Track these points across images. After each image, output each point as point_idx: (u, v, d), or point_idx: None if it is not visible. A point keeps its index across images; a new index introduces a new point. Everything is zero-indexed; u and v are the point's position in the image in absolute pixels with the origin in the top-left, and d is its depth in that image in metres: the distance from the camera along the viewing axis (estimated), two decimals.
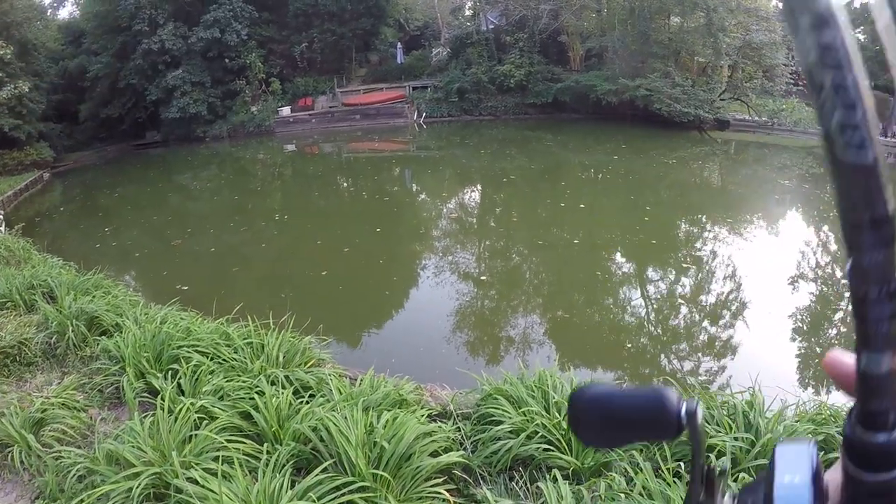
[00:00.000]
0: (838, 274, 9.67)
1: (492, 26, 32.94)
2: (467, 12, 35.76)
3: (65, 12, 42.99)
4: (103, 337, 5.06)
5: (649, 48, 26.14)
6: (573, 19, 30.18)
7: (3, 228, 14.53)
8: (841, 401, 3.89)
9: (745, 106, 26.39)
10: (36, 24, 33.02)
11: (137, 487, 3.00)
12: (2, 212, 16.90)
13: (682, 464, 3.10)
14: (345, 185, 19.14)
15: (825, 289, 8.84)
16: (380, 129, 29.99)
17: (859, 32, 36.54)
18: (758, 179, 17.53)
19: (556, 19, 30.38)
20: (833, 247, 11.10)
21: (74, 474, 3.40)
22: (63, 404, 4.10)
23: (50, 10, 40.93)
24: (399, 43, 36.82)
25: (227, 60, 31.24)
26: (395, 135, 29.28)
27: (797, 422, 3.46)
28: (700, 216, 12.97)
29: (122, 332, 4.93)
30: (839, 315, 7.99)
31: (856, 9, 37.96)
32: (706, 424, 3.34)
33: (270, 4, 32.51)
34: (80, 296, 5.90)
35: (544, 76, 29.97)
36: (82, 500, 3.17)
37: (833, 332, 7.48)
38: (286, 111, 32.12)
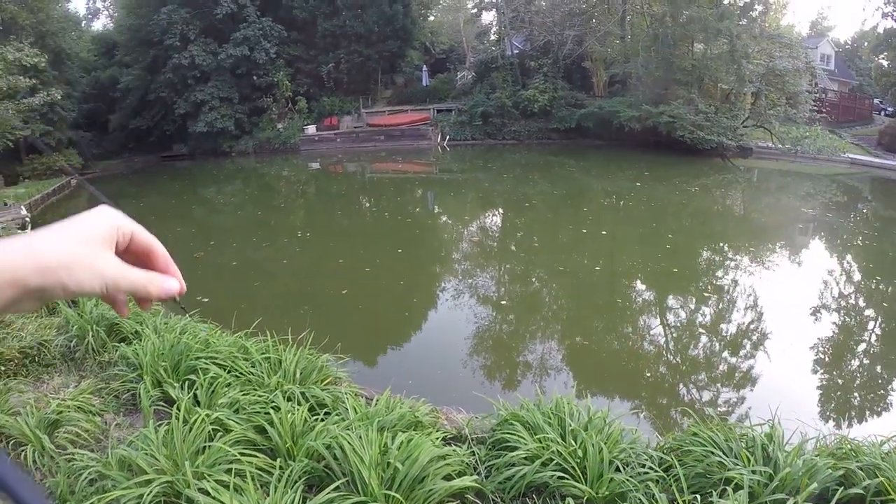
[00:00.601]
0: (861, 304, 9.50)
1: (516, 51, 33.27)
2: (492, 37, 36.18)
3: (99, 24, 44.50)
4: (122, 344, 5.10)
5: (673, 75, 26.18)
6: (597, 45, 30.39)
7: (28, 231, 14.81)
8: (862, 434, 3.79)
9: (769, 133, 26.26)
10: (70, 35, 34.05)
11: (148, 495, 3.00)
12: (28, 215, 17.26)
13: (698, 496, 3.03)
14: (367, 204, 19.27)
15: (848, 320, 8.67)
16: (404, 151, 30.25)
17: (882, 59, 36.39)
18: (781, 208, 17.34)
19: (581, 45, 30.62)
20: (857, 277, 10.91)
21: (86, 477, 3.41)
22: (79, 407, 4.14)
23: (84, 22, 42.36)
24: (424, 66, 37.31)
25: (255, 78, 31.87)
26: (418, 157, 29.50)
27: (817, 456, 3.38)
28: (722, 245, 12.83)
29: (140, 340, 4.97)
30: (862, 347, 7.83)
31: (879, 34, 37.92)
32: (724, 457, 3.28)
33: (299, 25, 33.17)
34: (101, 302, 5.95)
35: (568, 102, 30.13)
36: None
37: (855, 364, 7.32)
38: (311, 130, 32.59)
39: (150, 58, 32.50)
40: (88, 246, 0.55)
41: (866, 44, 44.53)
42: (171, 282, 0.66)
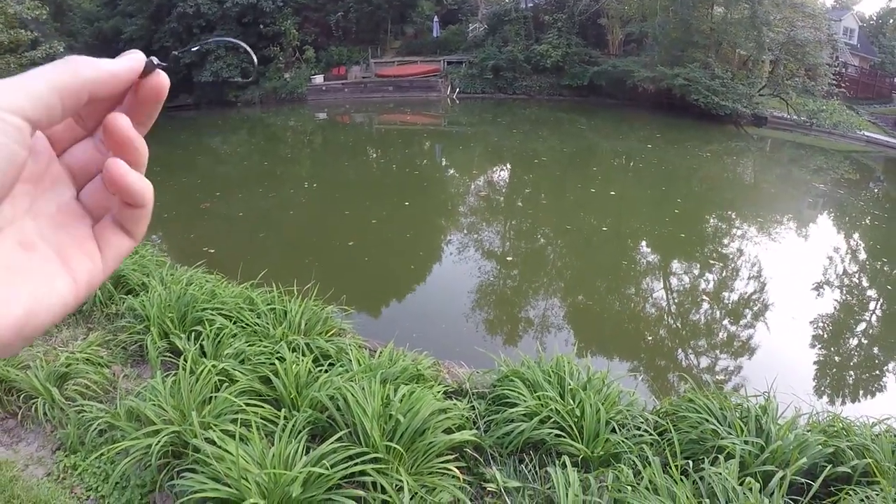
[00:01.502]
0: (864, 284, 9.50)
1: (531, 4, 32.42)
2: None
3: None
4: (129, 296, 5.16)
5: (690, 37, 25.55)
6: (614, 2, 29.58)
7: None
8: (854, 414, 3.85)
9: (785, 104, 25.75)
10: None
11: (157, 444, 3.09)
12: None
13: (690, 462, 3.10)
14: (374, 156, 19.13)
15: (850, 299, 8.69)
16: (412, 103, 29.84)
17: None
18: (792, 180, 17.17)
19: (597, 1, 29.82)
20: (862, 256, 10.88)
21: (95, 428, 3.51)
22: (87, 360, 4.22)
23: None
24: (436, 16, 36.43)
25: (261, 26, 31.21)
26: (427, 109, 29.12)
27: (809, 431, 3.44)
28: (730, 213, 12.76)
29: (147, 292, 5.03)
30: (861, 327, 7.87)
31: None
32: (718, 425, 3.34)
33: None
34: None
35: (581, 58, 29.51)
36: (102, 454, 3.28)
37: (853, 343, 7.36)
38: (319, 80, 32.07)
39: (153, 6, 31.75)
40: None
41: (892, 21, 43.20)
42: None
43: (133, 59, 0.42)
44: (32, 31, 17.74)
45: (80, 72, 0.37)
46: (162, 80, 0.44)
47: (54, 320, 0.38)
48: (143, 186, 0.42)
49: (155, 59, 0.44)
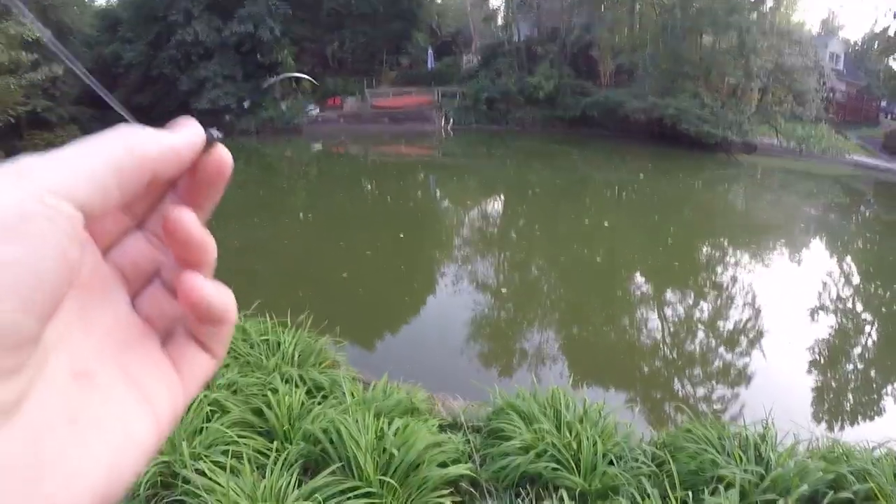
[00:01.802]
0: (859, 308, 9.52)
1: (523, 37, 32.99)
2: (499, 22, 35.81)
3: None
4: None
5: (680, 67, 26.02)
6: (605, 34, 30.14)
7: None
8: (854, 439, 3.82)
9: (774, 130, 26.15)
10: (73, 10, 33.80)
11: (145, 475, 3.03)
12: None
13: (690, 493, 3.06)
14: (370, 187, 19.22)
15: (845, 323, 8.70)
16: (407, 134, 30.10)
17: (893, 60, 36.14)
18: (783, 206, 17.32)
19: (588, 33, 30.37)
20: (856, 280, 10.93)
21: None
22: None
23: None
24: (430, 48, 36.98)
25: (259, 56, 31.59)
26: (422, 140, 29.38)
27: (809, 458, 3.41)
28: (723, 241, 12.83)
29: None
30: (857, 351, 7.87)
31: (890, 37, 37.57)
32: (717, 455, 3.31)
33: (305, 3, 32.82)
34: None
35: (573, 90, 29.94)
36: None
37: (850, 367, 7.35)
38: (315, 110, 32.37)
39: (153, 34, 32.20)
40: None
41: (877, 45, 44.10)
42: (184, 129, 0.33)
43: (193, 133, 0.33)
44: (33, 53, 17.91)
45: (140, 147, 0.29)
46: (225, 156, 0.35)
47: (137, 475, 0.29)
48: (225, 302, 0.33)
49: (215, 132, 0.36)
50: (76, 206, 0.25)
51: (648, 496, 2.99)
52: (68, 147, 0.27)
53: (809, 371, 7.02)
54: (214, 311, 0.33)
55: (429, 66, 35.79)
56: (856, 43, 45.93)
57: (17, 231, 0.23)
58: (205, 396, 3.64)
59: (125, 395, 0.29)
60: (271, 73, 31.90)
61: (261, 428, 3.59)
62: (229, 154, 0.35)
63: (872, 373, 7.22)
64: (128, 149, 0.28)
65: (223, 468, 2.96)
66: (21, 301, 0.22)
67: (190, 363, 0.33)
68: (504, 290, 9.57)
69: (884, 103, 35.85)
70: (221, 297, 0.33)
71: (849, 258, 12.47)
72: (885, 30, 39.91)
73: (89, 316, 0.29)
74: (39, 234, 0.23)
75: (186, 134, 0.32)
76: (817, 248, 13.36)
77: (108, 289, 0.32)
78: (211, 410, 3.61)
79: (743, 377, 6.72)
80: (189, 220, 0.32)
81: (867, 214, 17.14)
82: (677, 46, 26.05)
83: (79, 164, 0.26)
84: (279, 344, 4.62)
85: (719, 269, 10.78)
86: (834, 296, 9.78)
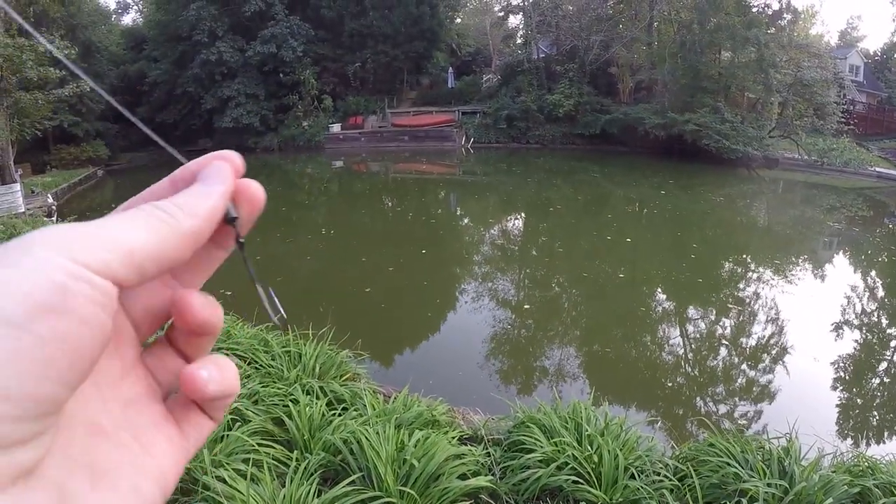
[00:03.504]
0: (884, 322, 9.33)
1: (542, 55, 33.17)
2: (519, 40, 36.07)
3: (128, 19, 45.24)
4: None
5: (699, 82, 25.94)
6: (623, 51, 30.21)
7: (55, 219, 15.16)
8: (880, 454, 3.74)
9: (795, 144, 25.87)
10: (100, 28, 34.80)
11: None
12: (55, 203, 17.63)
13: None
14: (391, 204, 19.35)
15: (870, 337, 8.53)
16: (428, 152, 30.31)
17: None
18: (806, 221, 17.08)
19: (607, 51, 30.47)
20: (880, 294, 10.72)
21: None
22: None
23: (114, 16, 43.09)
24: (451, 67, 37.34)
25: (281, 75, 32.16)
26: (442, 158, 29.54)
27: (834, 472, 3.34)
28: (746, 256, 12.68)
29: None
30: (883, 366, 7.69)
31: None
32: (740, 468, 3.25)
33: (327, 24, 33.40)
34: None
35: (593, 107, 29.97)
36: None
37: (876, 382, 7.19)
38: (336, 128, 32.79)
39: (178, 53, 32.97)
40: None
41: None
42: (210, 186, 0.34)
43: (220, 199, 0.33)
44: (61, 70, 18.43)
45: (182, 225, 0.29)
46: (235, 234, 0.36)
47: None
48: (228, 387, 0.33)
49: (232, 211, 0.36)
50: (113, 281, 0.25)
51: None
52: (111, 217, 0.27)
53: (834, 387, 6.87)
54: (215, 402, 0.33)
55: (449, 85, 36.11)
56: (875, 53, 45.38)
57: (58, 308, 0.23)
58: None
59: (134, 452, 0.29)
60: (293, 92, 32.42)
61: (281, 437, 3.61)
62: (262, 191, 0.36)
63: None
64: (174, 225, 0.28)
65: (243, 476, 2.97)
66: (58, 374, 0.23)
67: (192, 421, 0.33)
68: (526, 306, 9.53)
69: None
70: (223, 385, 0.33)
71: (873, 272, 12.24)
72: None
73: (99, 366, 0.28)
74: (79, 311, 0.23)
75: (218, 204, 0.33)
76: (841, 263, 13.13)
77: (121, 339, 0.31)
78: (232, 419, 3.64)
79: (766, 393, 6.60)
80: (199, 303, 0.33)
81: (891, 227, 16.82)
82: (696, 62, 26.00)
83: (121, 239, 0.26)
84: (300, 356, 4.65)
85: (742, 285, 10.64)
86: (858, 310, 9.60)
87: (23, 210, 15.01)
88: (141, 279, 0.27)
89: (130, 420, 0.30)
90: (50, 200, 17.56)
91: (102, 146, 30.22)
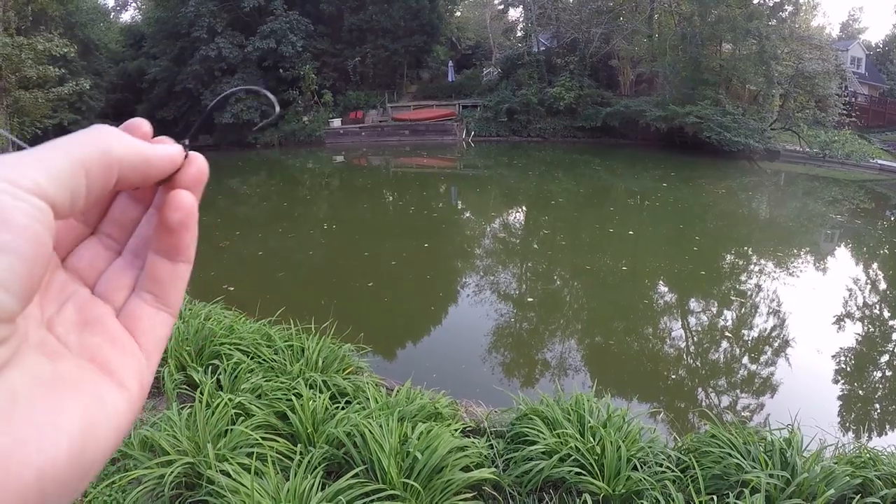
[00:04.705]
0: (886, 315, 9.32)
1: (543, 48, 33.08)
2: (519, 33, 36.00)
3: (127, 16, 45.19)
4: None
5: (700, 75, 25.87)
6: (624, 44, 30.14)
7: None
8: (881, 444, 3.75)
9: (797, 136, 25.81)
10: (99, 26, 34.80)
11: (170, 475, 3.07)
12: None
13: (715, 497, 3.02)
14: (392, 198, 19.33)
15: (872, 330, 8.52)
16: (428, 146, 30.27)
17: None
18: (808, 213, 17.05)
19: (608, 43, 30.39)
20: (883, 286, 10.71)
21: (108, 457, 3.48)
22: None
23: (113, 13, 43.11)
24: (451, 61, 37.27)
25: (281, 71, 32.11)
26: (443, 152, 29.51)
27: (835, 463, 3.36)
28: (748, 249, 12.66)
29: None
30: (885, 358, 7.69)
31: None
32: (742, 459, 3.26)
33: (326, 18, 33.33)
34: None
35: (594, 100, 29.92)
36: (114, 482, 3.26)
37: (878, 375, 7.19)
38: (337, 123, 32.75)
39: (177, 49, 32.93)
40: None
41: None
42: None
43: (171, 149, 0.36)
44: (60, 68, 18.42)
45: (110, 147, 0.31)
46: (201, 164, 0.38)
47: (116, 441, 0.30)
48: (200, 167, 0.37)
49: (186, 142, 0.38)
50: (48, 202, 0.27)
51: (673, 500, 2.96)
52: (44, 145, 0.29)
53: (836, 379, 6.88)
54: (186, 241, 0.36)
55: (449, 78, 36.05)
56: (877, 45, 45.19)
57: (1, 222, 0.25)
58: (230, 400, 3.69)
59: (93, 371, 0.31)
60: (293, 88, 32.36)
61: (284, 431, 3.62)
62: (204, 161, 0.38)
63: None
64: (100, 147, 0.30)
65: (247, 470, 2.99)
66: (5, 283, 0.25)
67: (147, 326, 0.35)
68: (528, 299, 9.53)
69: None
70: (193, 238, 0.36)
71: (875, 264, 12.23)
72: None
73: (48, 314, 0.31)
74: (19, 226, 0.25)
75: (163, 148, 0.35)
76: (843, 255, 13.12)
77: (66, 290, 0.34)
78: (235, 413, 3.65)
79: (768, 385, 6.61)
80: (189, 201, 0.36)
81: (893, 219, 16.81)
82: (697, 54, 25.93)
83: (47, 160, 0.28)
84: (303, 350, 4.66)
85: (744, 277, 10.63)
86: (861, 303, 9.59)
87: None
88: (73, 201, 0.28)
89: (87, 344, 0.32)
90: None
91: None
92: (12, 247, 0.25)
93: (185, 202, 0.35)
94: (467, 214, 17.32)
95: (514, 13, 37.67)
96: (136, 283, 0.36)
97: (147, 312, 0.35)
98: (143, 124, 0.36)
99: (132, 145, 0.32)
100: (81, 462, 0.27)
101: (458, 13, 42.49)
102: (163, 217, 0.35)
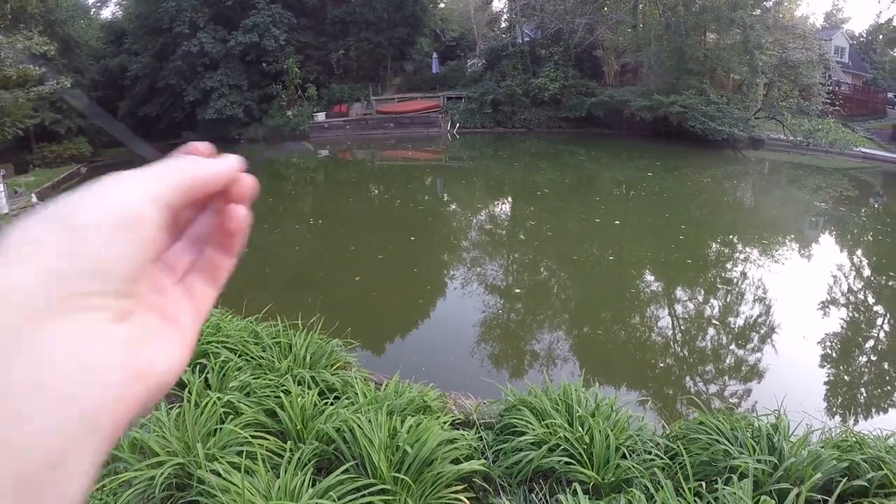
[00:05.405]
0: (871, 300, 9.45)
1: (527, 39, 33.03)
2: (503, 24, 35.91)
3: (107, 12, 44.38)
4: None
5: (685, 64, 25.97)
6: (609, 34, 30.15)
7: None
8: (867, 428, 3.80)
9: (780, 125, 26.01)
10: (79, 23, 34.24)
11: (160, 476, 3.06)
12: (39, 202, 17.40)
13: (703, 483, 3.06)
14: (378, 192, 19.29)
15: (857, 315, 8.64)
16: (413, 138, 30.18)
17: None
18: (792, 201, 17.23)
19: (592, 33, 30.40)
20: (867, 272, 10.85)
21: None
22: None
23: (93, 10, 42.30)
24: (435, 53, 37.10)
25: (264, 65, 31.84)
26: (428, 144, 29.44)
27: (822, 447, 3.40)
28: (733, 237, 12.77)
29: None
30: (870, 343, 7.81)
31: (894, 27, 37.35)
32: (730, 445, 3.30)
33: (309, 11, 33.06)
34: None
35: (578, 90, 29.94)
36: (104, 486, 3.24)
37: (863, 359, 7.30)
38: (321, 117, 32.54)
39: (158, 45, 32.53)
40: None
41: (881, 37, 43.83)
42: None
43: (234, 160, 0.45)
44: (40, 67, 18.11)
45: (200, 174, 0.41)
46: (250, 182, 0.47)
47: (171, 384, 0.39)
48: (248, 181, 0.46)
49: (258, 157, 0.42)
50: (162, 210, 0.37)
51: (662, 487, 2.98)
52: (154, 167, 0.39)
53: (821, 365, 6.97)
54: (238, 242, 0.46)
55: (433, 70, 35.91)
56: (860, 35, 45.62)
57: (133, 225, 0.35)
58: (218, 398, 3.67)
59: (165, 324, 0.39)
60: (277, 82, 32.11)
61: (274, 429, 3.61)
62: (253, 180, 0.47)
63: (885, 364, 7.17)
64: (193, 175, 0.40)
65: (238, 468, 2.98)
66: (132, 261, 0.35)
67: (199, 296, 0.44)
68: (515, 291, 9.56)
69: (891, 94, 35.56)
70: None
71: (859, 250, 12.38)
72: (890, 21, 39.78)
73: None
74: (146, 227, 0.36)
75: (228, 162, 0.44)
76: (827, 242, 13.27)
77: (159, 273, 0.42)
78: (224, 412, 3.64)
79: (754, 372, 6.69)
80: (245, 215, 0.46)
81: (876, 206, 17.02)
82: (681, 44, 26.00)
83: (164, 181, 0.38)
84: (291, 346, 4.64)
85: (730, 265, 10.73)
86: (845, 289, 9.72)
87: (7, 211, 14.79)
88: (177, 209, 0.39)
89: (159, 302, 0.40)
90: (34, 200, 17.31)
91: (85, 143, 29.82)
92: (137, 245, 0.35)
93: (240, 215, 0.45)
94: (453, 207, 17.32)
95: (498, 4, 37.64)
96: (190, 265, 0.45)
97: (201, 285, 0.45)
98: (202, 147, 0.45)
99: (211, 169, 0.42)
100: (168, 384, 0.37)
101: (442, 4, 42.28)
102: (221, 223, 0.45)
